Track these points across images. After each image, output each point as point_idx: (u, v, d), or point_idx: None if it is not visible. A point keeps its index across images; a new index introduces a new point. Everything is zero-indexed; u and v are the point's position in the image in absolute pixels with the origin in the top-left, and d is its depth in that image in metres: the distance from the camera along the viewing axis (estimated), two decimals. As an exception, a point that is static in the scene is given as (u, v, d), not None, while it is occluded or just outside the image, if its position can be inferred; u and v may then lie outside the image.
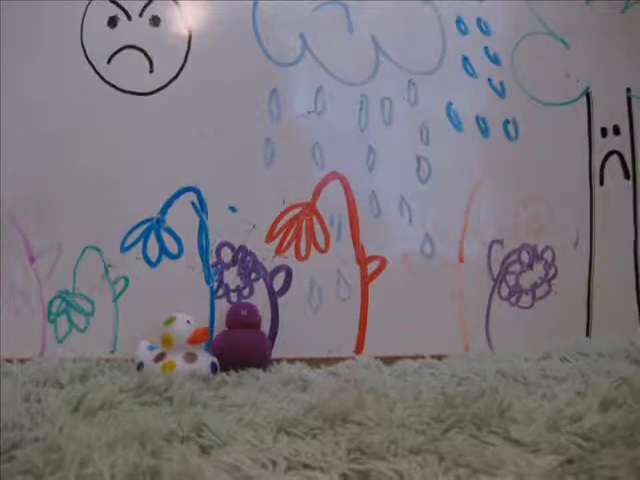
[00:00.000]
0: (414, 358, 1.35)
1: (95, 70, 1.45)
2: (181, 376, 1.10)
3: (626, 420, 0.82)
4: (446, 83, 1.52)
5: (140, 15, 1.45)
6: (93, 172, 1.42)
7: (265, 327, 1.40)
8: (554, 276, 1.52)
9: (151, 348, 1.24)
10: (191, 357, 1.19)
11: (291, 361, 1.33)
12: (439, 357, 1.35)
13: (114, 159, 1.43)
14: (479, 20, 1.53)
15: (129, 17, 1.45)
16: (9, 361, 1.27)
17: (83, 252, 1.40)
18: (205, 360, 1.21)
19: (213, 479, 0.66)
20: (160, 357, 1.19)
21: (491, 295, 1.50)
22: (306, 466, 0.73)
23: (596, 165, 1.54)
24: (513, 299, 1.51)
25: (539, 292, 1.51)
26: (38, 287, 1.39)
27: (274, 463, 0.72)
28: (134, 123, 1.44)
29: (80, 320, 1.40)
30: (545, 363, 1.26)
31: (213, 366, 1.22)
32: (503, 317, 1.49)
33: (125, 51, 1.45)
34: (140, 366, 1.21)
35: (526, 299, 1.51)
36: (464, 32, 1.53)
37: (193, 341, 1.20)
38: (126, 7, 1.45)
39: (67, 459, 0.71)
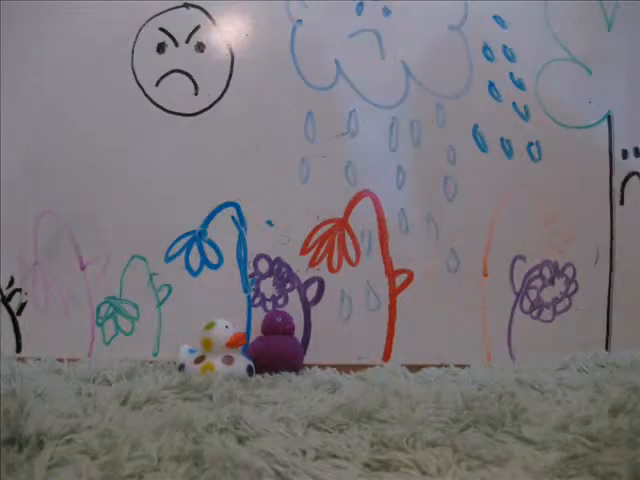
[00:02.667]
0: (438, 366, 1.38)
1: (144, 93, 1.52)
2: (220, 376, 1.15)
3: (633, 424, 0.85)
4: (472, 106, 1.53)
5: (187, 42, 1.52)
6: (141, 187, 1.49)
7: (298, 334, 1.43)
8: (575, 291, 1.52)
9: (191, 351, 1.28)
10: (229, 360, 1.23)
11: (322, 366, 1.37)
12: (462, 366, 1.36)
13: (160, 176, 1.49)
14: (505, 47, 1.55)
15: (176, 43, 1.52)
16: (60, 360, 1.33)
17: (130, 261, 1.47)
18: (242, 363, 1.25)
19: (249, 461, 0.72)
20: (200, 359, 1.24)
21: (513, 309, 1.49)
22: (333, 455, 0.79)
23: (616, 185, 1.55)
24: (534, 313, 1.50)
25: (560, 307, 1.51)
26: (88, 293, 1.47)
27: (304, 452, 0.79)
28: (180, 142, 1.50)
29: (126, 324, 1.46)
30: (563, 373, 1.28)
31: (249, 369, 1.26)
32: (525, 330, 1.49)
33: (172, 75, 1.52)
34: (181, 367, 1.25)
35: (547, 313, 1.50)
36: (490, 58, 1.54)
37: (231, 345, 1.24)
38: (174, 34, 1.52)
39: (119, 442, 0.78)
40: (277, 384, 1.20)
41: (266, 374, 1.27)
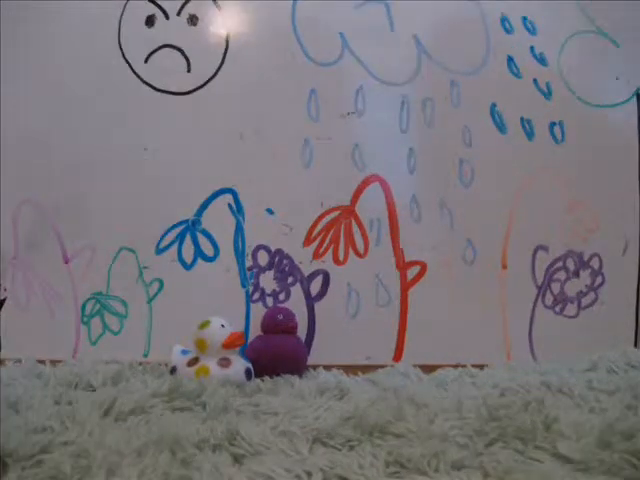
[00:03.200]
0: (454, 367, 1.31)
1: (132, 70, 1.43)
2: (215, 381, 1.07)
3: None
4: (490, 83, 1.45)
5: (178, 14, 1.43)
6: (129, 172, 1.41)
7: (301, 332, 1.36)
8: (601, 284, 1.44)
9: (184, 352, 1.20)
10: (225, 362, 1.15)
11: (328, 368, 1.30)
12: (480, 366, 1.30)
13: (150, 160, 1.41)
14: (525, 19, 1.46)
15: (167, 16, 1.43)
16: (42, 362, 1.26)
17: (117, 254, 1.39)
18: (239, 366, 1.17)
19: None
20: (194, 362, 1.16)
21: (535, 303, 1.43)
22: (342, 479, 0.70)
23: (646, 169, 1.43)
24: (558, 308, 1.44)
25: (585, 301, 1.44)
26: (72, 288, 1.39)
27: (309, 474, 0.69)
28: (171, 123, 1.41)
29: (114, 322, 1.39)
30: (591, 375, 1.19)
31: (247, 372, 1.18)
32: (547, 326, 1.42)
33: (162, 50, 1.42)
34: (173, 370, 1.17)
35: (571, 308, 1.43)
36: (509, 31, 1.46)
37: (228, 346, 1.16)
38: (164, 6, 1.42)
39: (95, 465, 0.69)
40: (278, 390, 1.11)
41: (266, 378, 1.19)
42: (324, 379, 1.21)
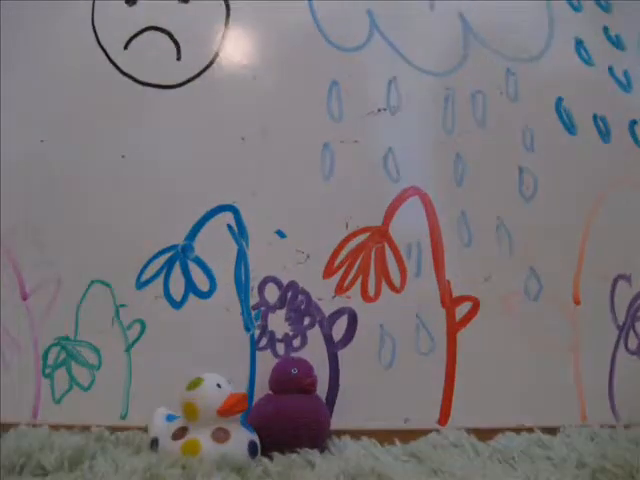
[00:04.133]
0: (517, 431, 1.14)
1: (109, 58, 1.29)
2: (207, 462, 0.92)
3: None
4: (555, 73, 1.31)
5: None
6: (102, 186, 1.28)
7: (322, 389, 1.19)
8: None
9: (170, 418, 1.05)
10: (222, 434, 0.98)
11: (355, 435, 1.14)
12: (550, 430, 1.13)
13: (129, 170, 1.28)
14: None
15: None
16: None
17: (88, 288, 1.25)
18: (241, 438, 1.00)
19: None
20: (181, 433, 0.99)
21: (616, 347, 1.26)
22: None
23: None
24: None
25: None
26: (31, 332, 1.24)
27: None
28: (155, 124, 1.29)
29: (83, 375, 1.23)
30: None
31: (252, 446, 1.00)
32: (631, 376, 1.25)
33: (146, 34, 1.30)
34: (154, 444, 1.01)
35: None
36: (577, 8, 1.32)
37: (225, 412, 0.99)
38: (149, -21, 1.30)
39: None
40: (293, 475, 0.93)
41: (276, 454, 1.01)
42: (353, 454, 1.05)
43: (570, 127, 1.29)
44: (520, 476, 0.93)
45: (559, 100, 1.30)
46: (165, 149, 1.28)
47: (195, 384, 1.00)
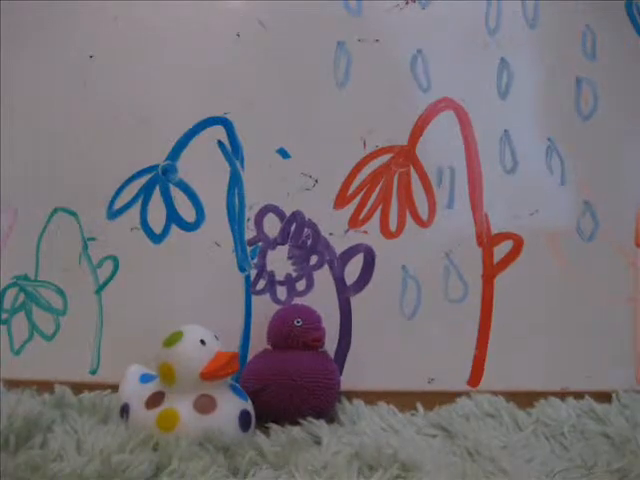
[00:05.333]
0: (561, 396, 1.05)
1: None
2: (186, 440, 0.79)
3: None
4: None
5: None
6: (64, 93, 1.14)
7: (331, 344, 1.09)
8: None
9: (145, 379, 0.93)
10: (206, 403, 0.86)
11: (370, 399, 1.04)
12: (603, 395, 1.04)
13: (97, 73, 1.14)
14: None
15: None
16: None
17: (50, 217, 1.14)
18: (230, 408, 0.88)
19: None
20: (156, 400, 0.87)
21: None
22: None
23: None
24: None
25: None
26: None
27: None
28: (129, 13, 1.14)
29: (46, 322, 1.13)
30: None
31: (243, 417, 0.88)
32: None
33: None
34: (124, 411, 0.89)
35: None
36: None
37: (210, 375, 0.87)
38: None
39: None
40: (294, 454, 0.81)
41: (274, 426, 0.91)
42: (367, 427, 0.93)
43: (642, 29, 1.14)
44: (575, 459, 0.82)
45: (630, -4, 1.15)
46: (141, 47, 1.15)
47: (173, 340, 0.88)
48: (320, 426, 0.90)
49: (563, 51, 1.14)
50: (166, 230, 1.13)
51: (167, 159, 1.13)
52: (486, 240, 1.12)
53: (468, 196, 1.13)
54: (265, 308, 1.10)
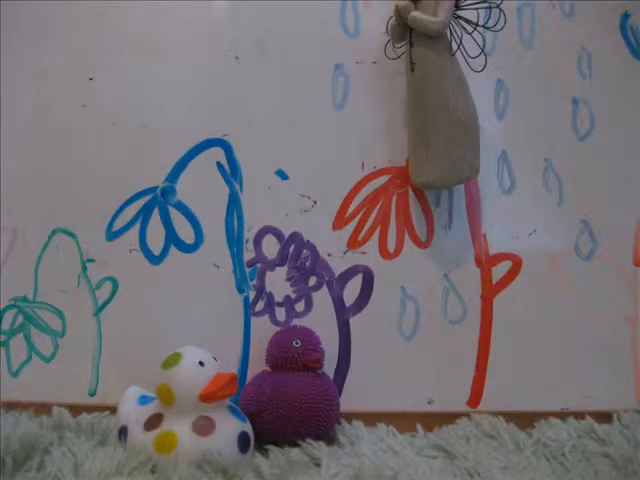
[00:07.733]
0: (562, 416, 1.04)
1: None
2: (183, 464, 0.81)
3: None
4: None
5: None
6: (65, 115, 1.15)
7: (330, 366, 1.09)
8: None
9: (144, 401, 0.93)
10: (205, 424, 0.86)
11: (369, 420, 1.04)
12: (601, 415, 1.03)
13: (97, 94, 1.14)
14: None
15: None
16: None
17: (50, 239, 1.14)
18: (229, 430, 0.88)
19: None
20: (154, 422, 0.87)
21: None
22: None
23: None
24: None
25: None
26: None
27: None
28: (127, 37, 1.15)
29: (44, 343, 1.13)
30: None
31: (242, 439, 0.88)
32: None
33: None
34: (122, 433, 0.89)
35: None
36: None
37: (209, 397, 0.87)
38: None
39: None
40: (291, 478, 0.83)
41: (273, 447, 0.92)
42: (367, 448, 0.94)
43: (636, 50, 1.14)
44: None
45: (625, 17, 1.14)
46: (140, 69, 1.15)
47: (171, 362, 0.89)
48: (319, 448, 0.90)
49: (559, 72, 1.14)
50: (165, 251, 1.13)
51: (166, 181, 1.14)
52: (485, 260, 1.13)
53: (466, 217, 1.13)
54: (264, 329, 1.10)
